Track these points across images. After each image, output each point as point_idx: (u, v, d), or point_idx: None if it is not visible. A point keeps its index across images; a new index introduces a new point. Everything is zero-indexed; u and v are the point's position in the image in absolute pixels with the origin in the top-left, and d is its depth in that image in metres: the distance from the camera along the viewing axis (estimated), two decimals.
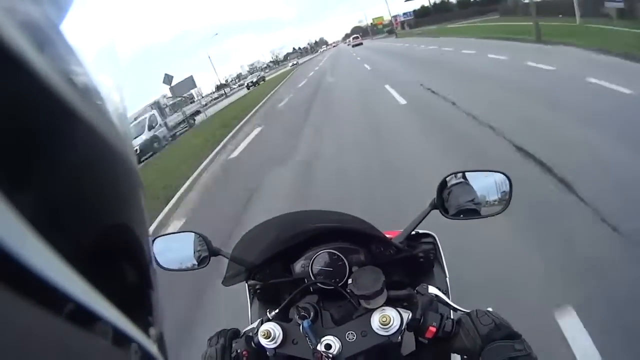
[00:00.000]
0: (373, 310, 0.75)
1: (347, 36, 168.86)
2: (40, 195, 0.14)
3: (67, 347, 0.16)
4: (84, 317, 0.16)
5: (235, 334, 0.85)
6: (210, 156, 8.06)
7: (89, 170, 0.17)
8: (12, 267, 0.13)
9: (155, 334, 0.23)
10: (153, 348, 0.22)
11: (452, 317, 0.76)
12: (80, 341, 0.16)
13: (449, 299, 0.82)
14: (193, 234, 1.03)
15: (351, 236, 0.90)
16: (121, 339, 0.19)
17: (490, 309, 0.73)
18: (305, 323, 0.76)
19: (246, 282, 1.00)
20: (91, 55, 0.19)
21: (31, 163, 0.14)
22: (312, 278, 0.88)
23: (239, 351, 0.81)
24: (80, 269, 0.16)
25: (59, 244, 0.14)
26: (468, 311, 0.75)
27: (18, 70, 0.13)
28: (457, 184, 0.93)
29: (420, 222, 0.94)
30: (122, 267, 0.21)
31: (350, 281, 0.78)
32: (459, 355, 0.83)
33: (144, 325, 0.22)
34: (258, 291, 1.00)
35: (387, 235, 0.92)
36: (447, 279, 1.00)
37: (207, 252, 1.00)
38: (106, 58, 0.22)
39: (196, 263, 1.02)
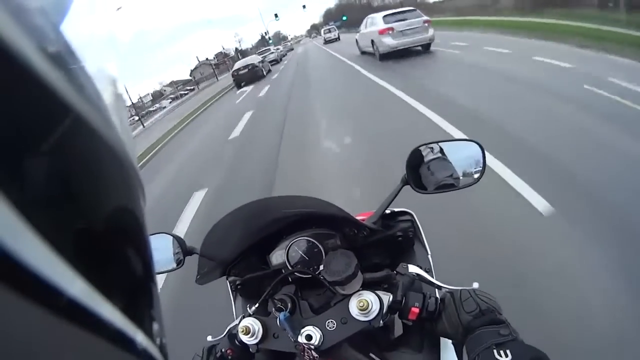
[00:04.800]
0: (350, 295, 0.72)
1: (314, 28, 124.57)
2: (40, 194, 0.14)
3: (69, 347, 0.16)
4: (86, 317, 0.16)
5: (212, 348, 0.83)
6: None
7: (89, 170, 0.17)
8: (12, 267, 0.13)
9: (157, 334, 0.23)
10: (154, 349, 0.22)
11: (437, 295, 0.74)
12: (82, 342, 0.16)
13: (432, 276, 0.80)
14: (168, 235, 0.99)
15: (325, 221, 0.87)
16: (124, 340, 0.19)
17: (476, 285, 0.71)
18: (282, 315, 0.73)
19: (226, 279, 0.96)
20: (91, 55, 0.19)
21: (31, 163, 0.14)
22: (289, 267, 0.85)
23: (223, 350, 0.79)
24: (81, 269, 0.16)
25: (59, 244, 0.15)
26: (452, 288, 0.73)
27: (18, 70, 0.13)
28: (434, 159, 0.91)
29: (393, 200, 0.91)
30: (123, 267, 0.21)
31: (322, 267, 0.75)
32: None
33: (146, 326, 0.21)
34: (239, 287, 0.97)
35: (362, 217, 0.89)
36: (429, 256, 0.97)
37: (182, 253, 0.97)
38: (106, 58, 0.22)
39: (174, 265, 0.98)
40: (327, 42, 37.06)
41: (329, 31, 40.44)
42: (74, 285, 0.15)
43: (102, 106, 0.19)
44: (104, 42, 0.22)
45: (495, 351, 0.57)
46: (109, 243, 0.19)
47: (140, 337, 0.20)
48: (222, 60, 69.78)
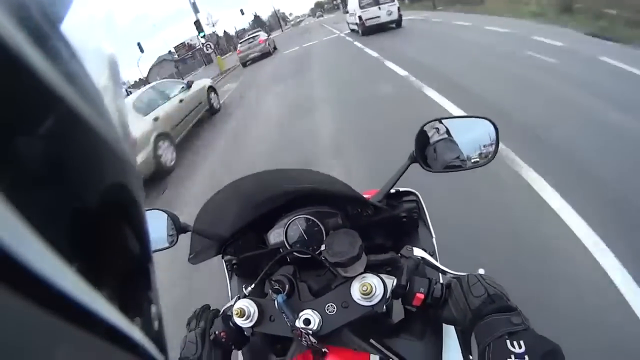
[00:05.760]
0: (352, 278, 0.68)
1: (318, 6, 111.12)
2: (39, 194, 0.14)
3: (68, 348, 0.16)
4: (85, 318, 0.16)
5: (215, 314, 0.79)
6: None
7: (89, 169, 0.18)
8: (11, 267, 0.13)
9: (155, 331, 0.23)
10: (152, 346, 0.22)
11: (441, 280, 0.70)
12: (81, 342, 0.16)
13: (436, 261, 0.77)
14: (162, 212, 0.95)
15: (326, 198, 0.82)
16: (123, 339, 0.19)
17: (481, 271, 0.68)
18: (280, 298, 0.69)
19: (222, 258, 0.93)
20: (91, 54, 0.19)
21: (30, 162, 0.14)
22: (288, 247, 0.81)
23: (217, 332, 0.74)
24: (80, 269, 0.16)
25: (58, 244, 0.15)
26: (458, 274, 0.69)
27: (17, 70, 0.13)
28: (440, 140, 0.86)
29: (400, 177, 0.87)
30: (124, 268, 0.21)
31: (323, 247, 0.70)
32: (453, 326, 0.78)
33: (146, 327, 0.22)
34: (235, 266, 0.94)
35: (365, 195, 0.84)
36: (434, 239, 0.93)
37: (175, 231, 0.93)
38: (106, 57, 0.22)
39: (166, 243, 0.95)
40: (365, 29, 13.35)
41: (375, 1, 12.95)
42: (74, 285, 0.15)
43: (101, 104, 0.19)
44: (105, 42, 0.22)
45: (508, 341, 0.53)
46: (109, 241, 0.19)
47: (137, 334, 0.20)
48: (185, 54, 49.77)
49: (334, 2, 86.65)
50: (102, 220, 0.18)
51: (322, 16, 73.27)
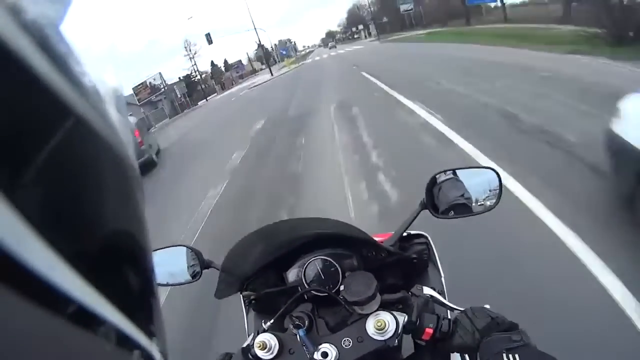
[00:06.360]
0: (367, 315, 0.75)
1: (330, 36, 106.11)
2: (40, 195, 0.14)
3: (68, 349, 0.16)
4: (85, 318, 0.16)
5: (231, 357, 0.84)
6: None
7: (89, 171, 0.17)
8: (12, 268, 0.13)
9: (158, 338, 0.23)
10: (156, 352, 0.22)
11: (448, 316, 0.76)
12: (81, 343, 0.16)
13: (444, 298, 0.82)
14: (185, 248, 1.03)
15: (342, 242, 0.89)
16: (124, 341, 0.19)
17: (486, 306, 0.74)
18: (301, 332, 0.75)
19: (240, 294, 0.99)
20: (91, 56, 0.19)
21: (31, 163, 0.14)
22: (306, 286, 0.87)
23: None
24: (82, 271, 0.16)
25: (59, 245, 0.15)
26: (464, 309, 0.75)
27: (18, 71, 0.13)
28: (446, 180, 0.94)
29: (411, 223, 0.94)
30: (124, 269, 0.20)
31: (342, 287, 0.78)
32: (459, 355, 0.83)
33: (147, 330, 0.21)
34: (253, 302, 0.99)
35: (379, 238, 0.91)
36: (442, 278, 1.00)
37: (199, 266, 1.00)
38: (106, 59, 0.22)
39: (189, 277, 1.02)
40: None
41: None
42: (75, 286, 0.15)
43: (103, 107, 0.19)
44: (105, 42, 0.23)
45: (504, 355, 0.59)
46: (108, 242, 0.19)
47: (138, 335, 0.20)
48: (147, 97, 36.56)
49: (351, 30, 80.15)
50: (103, 221, 0.18)
51: (335, 47, 63.73)
